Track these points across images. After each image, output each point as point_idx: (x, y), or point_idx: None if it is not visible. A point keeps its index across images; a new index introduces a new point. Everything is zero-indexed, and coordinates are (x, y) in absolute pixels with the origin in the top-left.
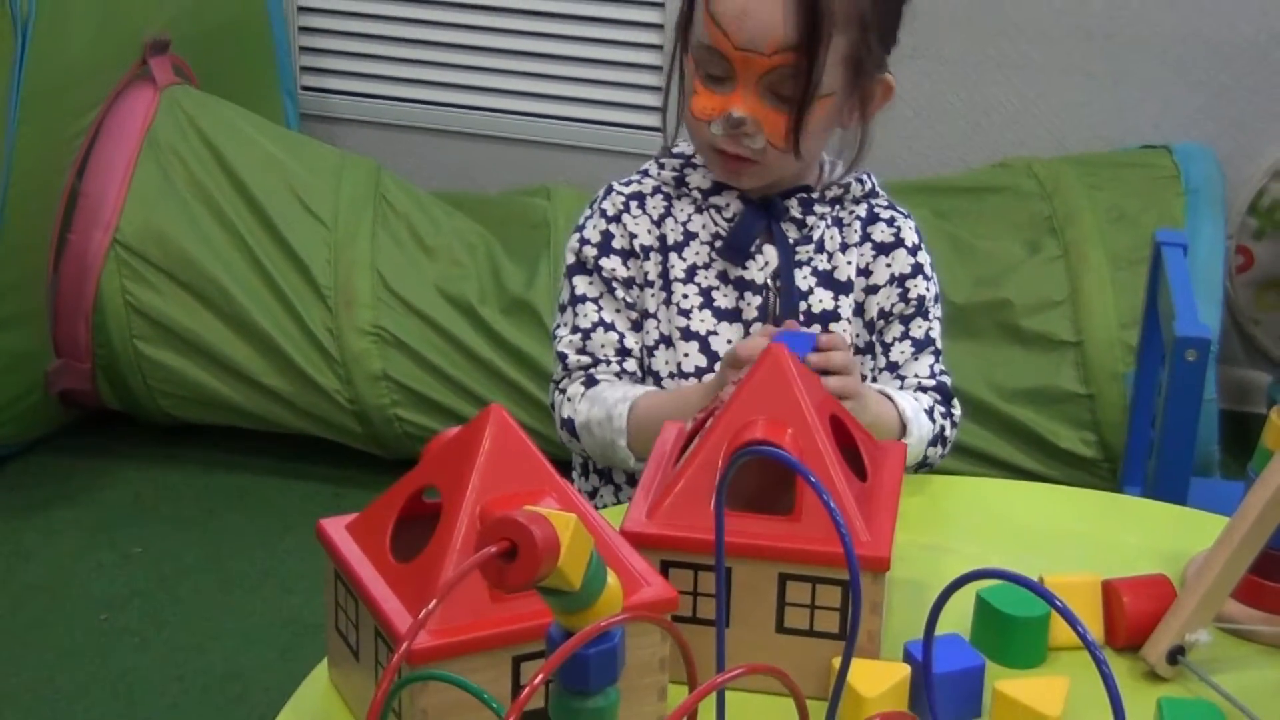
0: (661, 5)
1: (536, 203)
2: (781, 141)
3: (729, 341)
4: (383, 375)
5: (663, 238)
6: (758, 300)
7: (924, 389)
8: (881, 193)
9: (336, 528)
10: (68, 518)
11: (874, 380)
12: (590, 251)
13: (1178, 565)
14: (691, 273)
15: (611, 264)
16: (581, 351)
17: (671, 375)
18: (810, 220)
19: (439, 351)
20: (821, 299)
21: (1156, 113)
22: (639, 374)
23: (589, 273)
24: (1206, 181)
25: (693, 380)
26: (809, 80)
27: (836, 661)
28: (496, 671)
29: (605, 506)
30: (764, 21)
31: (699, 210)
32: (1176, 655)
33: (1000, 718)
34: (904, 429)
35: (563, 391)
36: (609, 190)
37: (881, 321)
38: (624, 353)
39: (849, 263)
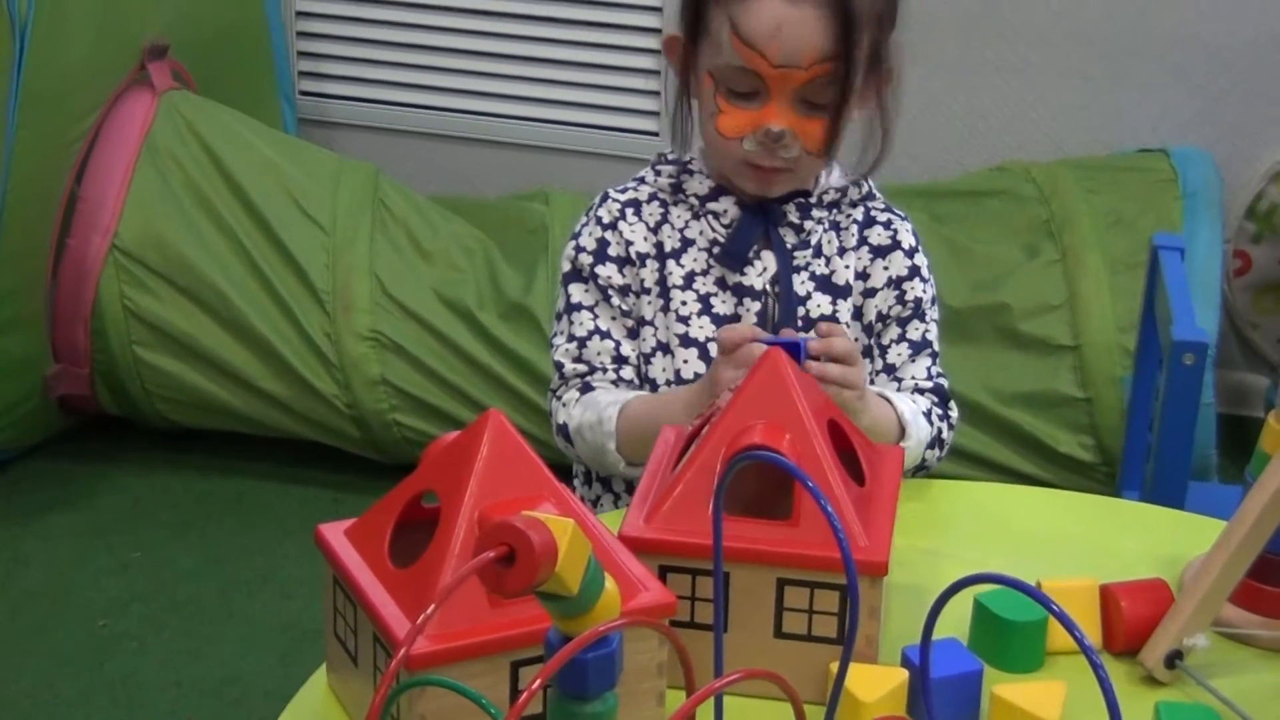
0: (659, 10)
1: (534, 207)
2: (818, 147)
3: (715, 337)
4: (381, 380)
5: (659, 244)
6: (757, 306)
7: (921, 391)
8: (878, 195)
9: (335, 533)
10: (66, 523)
11: (872, 383)
12: (586, 259)
13: (1175, 569)
14: (689, 279)
15: (607, 271)
16: (578, 360)
17: (669, 382)
18: (808, 225)
19: (437, 356)
20: (820, 304)
21: (1154, 116)
22: (636, 382)
23: (585, 280)
24: (1204, 185)
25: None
26: (848, 85)
27: (835, 666)
28: (495, 677)
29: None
30: (800, 36)
31: (696, 216)
32: (1174, 659)
33: None
34: (903, 432)
35: (559, 399)
36: (605, 197)
37: (880, 324)
38: (620, 360)
39: (847, 267)
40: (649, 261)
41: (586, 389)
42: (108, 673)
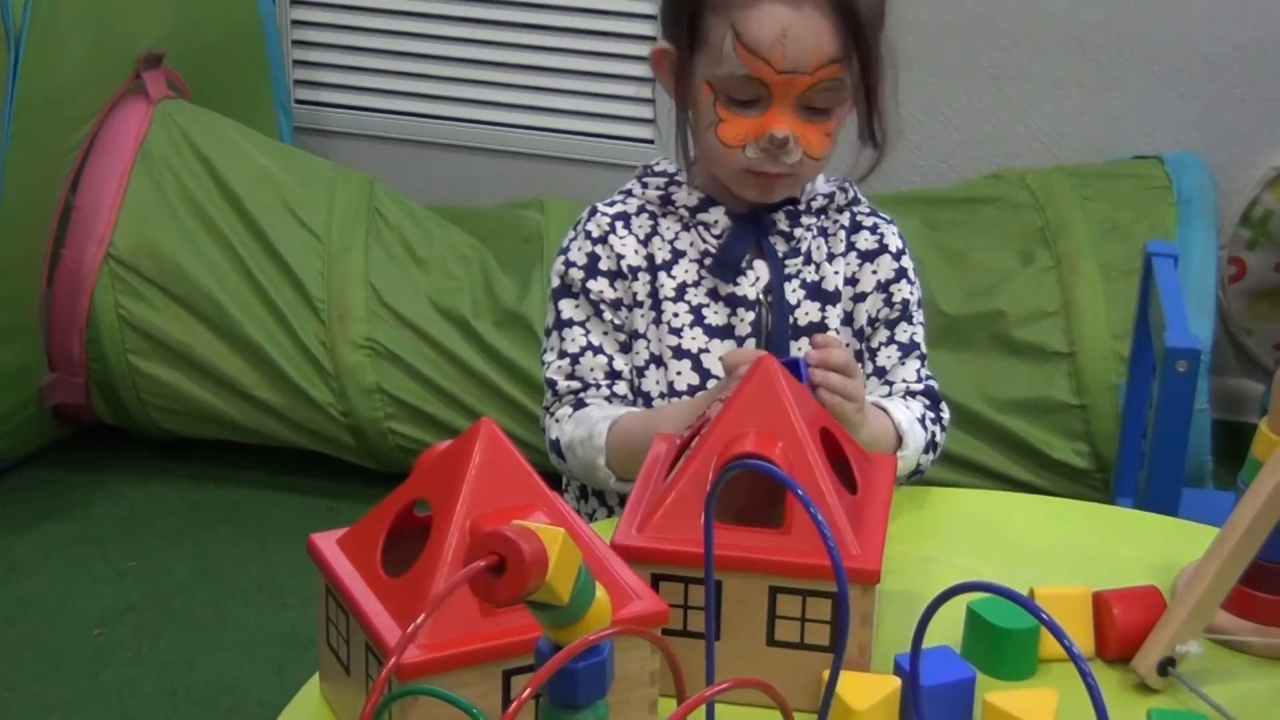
0: (655, 19)
1: (529, 215)
2: (820, 152)
3: (720, 359)
4: (376, 388)
5: (650, 257)
6: (750, 316)
7: (912, 394)
8: (864, 200)
9: (327, 542)
10: (61, 532)
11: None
12: (576, 274)
13: (1169, 576)
14: (681, 291)
15: (599, 286)
16: (571, 376)
17: (663, 395)
18: (798, 233)
19: (432, 364)
20: (808, 311)
21: (1148, 123)
22: (630, 397)
23: (575, 296)
24: (1199, 192)
25: (685, 399)
26: (871, 86)
27: (827, 674)
28: (487, 686)
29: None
30: (806, 42)
31: (686, 228)
32: (1167, 666)
33: None
34: (900, 441)
35: (553, 416)
36: (593, 211)
37: (869, 328)
38: (614, 375)
39: (836, 273)
40: (640, 274)
41: (579, 405)
42: (103, 682)
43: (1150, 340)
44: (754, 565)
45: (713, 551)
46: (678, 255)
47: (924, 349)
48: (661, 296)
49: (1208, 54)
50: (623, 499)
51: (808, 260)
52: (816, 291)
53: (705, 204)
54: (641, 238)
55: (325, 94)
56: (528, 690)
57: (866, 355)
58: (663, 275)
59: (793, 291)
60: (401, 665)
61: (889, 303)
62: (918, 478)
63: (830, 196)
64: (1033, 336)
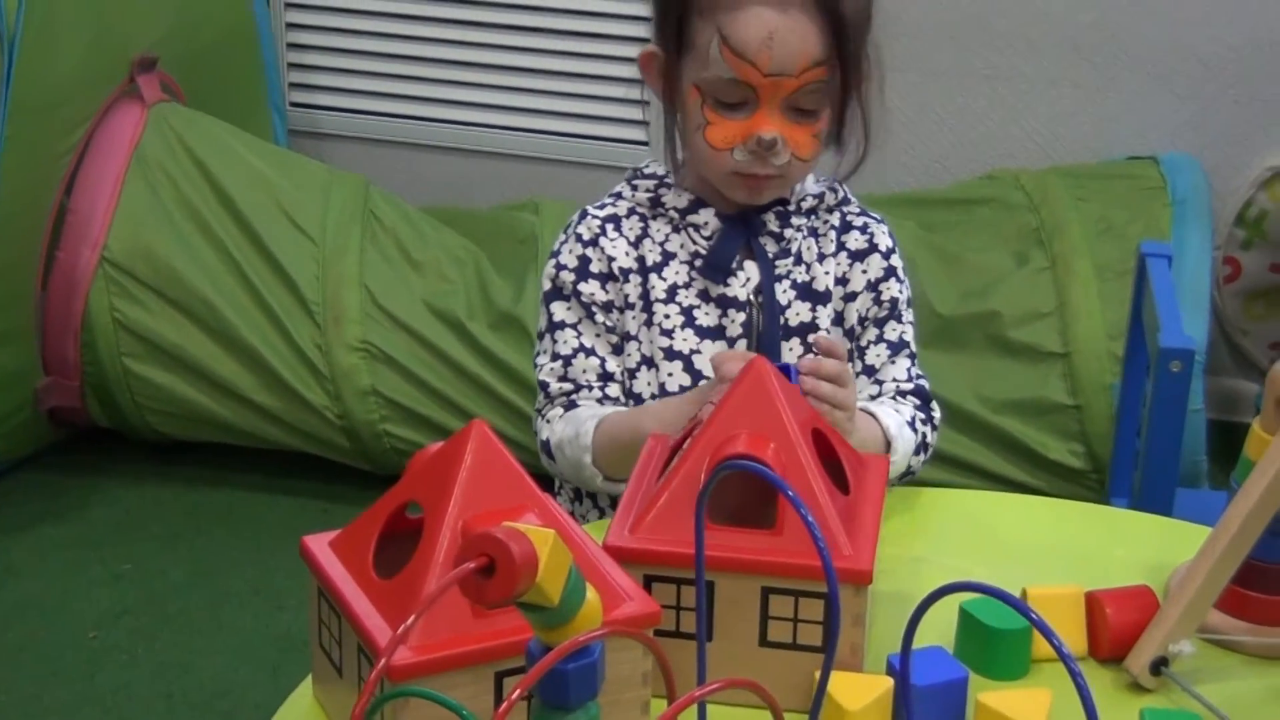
0: (648, 20)
1: (524, 217)
2: (808, 153)
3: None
4: (371, 391)
5: (641, 259)
6: (741, 317)
7: (903, 393)
8: (854, 200)
9: (320, 544)
10: (57, 535)
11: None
12: (568, 277)
13: (1162, 576)
14: (672, 292)
15: (590, 288)
16: (563, 379)
17: (654, 396)
18: (788, 233)
19: (427, 367)
20: (799, 311)
21: (1143, 124)
22: (622, 399)
23: (566, 299)
24: (1193, 192)
25: (671, 397)
26: (846, 89)
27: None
28: (478, 687)
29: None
30: (792, 44)
31: (676, 230)
32: (1160, 666)
33: None
34: (888, 446)
35: (544, 418)
36: (583, 215)
37: (859, 328)
38: (606, 377)
39: (826, 273)
40: (632, 276)
41: (571, 406)
42: (98, 685)
43: (1144, 340)
44: (746, 566)
45: (704, 552)
46: (668, 257)
47: (914, 348)
48: (652, 298)
49: (1202, 55)
50: (615, 501)
51: (798, 261)
52: (807, 292)
53: (695, 205)
54: (632, 240)
55: (320, 97)
56: (518, 691)
57: (856, 354)
58: (653, 277)
59: (783, 292)
60: (393, 667)
61: (878, 301)
62: (909, 478)
63: (820, 197)
64: (1028, 337)
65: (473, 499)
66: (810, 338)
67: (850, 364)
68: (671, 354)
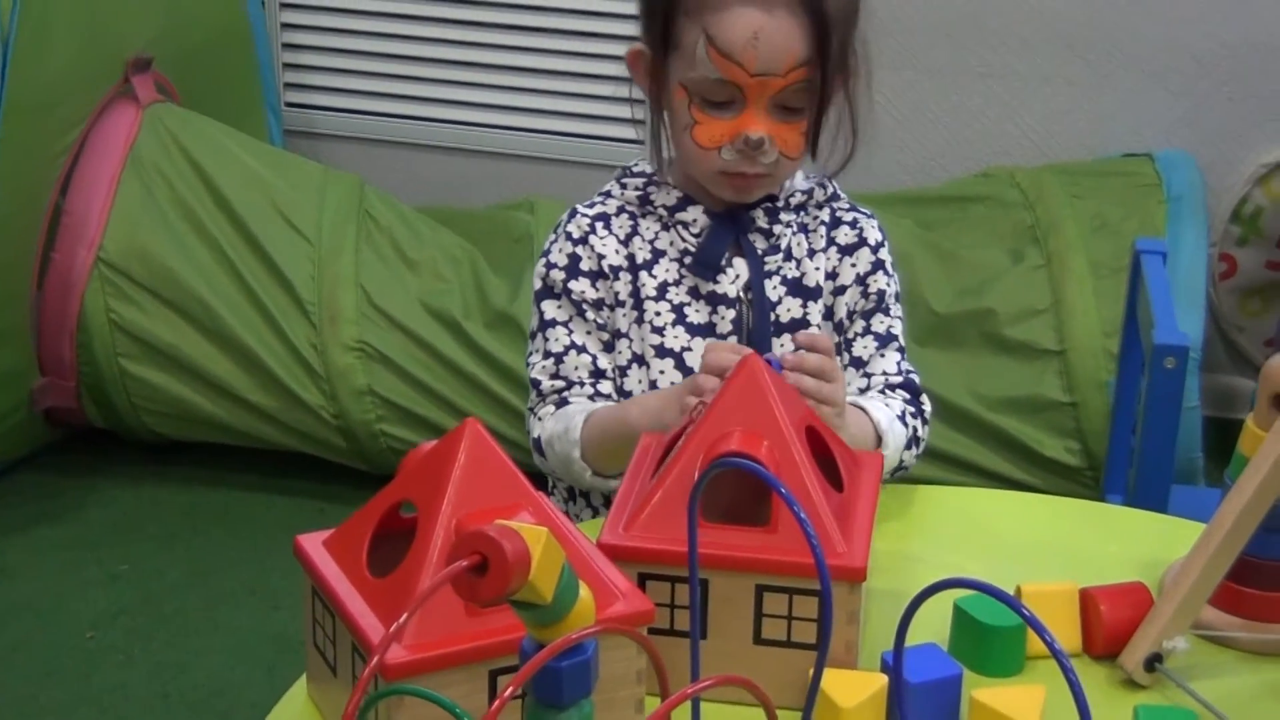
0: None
1: (520, 216)
2: (796, 152)
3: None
4: (367, 390)
5: (631, 257)
6: (731, 314)
7: (892, 387)
8: (843, 196)
9: (314, 543)
10: (53, 536)
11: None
12: (558, 275)
13: (1157, 573)
14: (663, 290)
15: (580, 286)
16: (555, 376)
17: (645, 394)
18: (777, 229)
19: (423, 366)
20: (790, 307)
21: (1138, 121)
22: (614, 396)
23: (557, 297)
24: (1188, 189)
25: (657, 390)
26: (826, 88)
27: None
28: (473, 686)
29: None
30: (777, 44)
31: (665, 227)
32: (1154, 662)
33: None
34: (879, 441)
35: (536, 415)
36: (573, 213)
37: (847, 321)
38: (598, 374)
39: (817, 268)
40: (622, 274)
41: (563, 404)
42: (95, 685)
43: (1139, 337)
44: (740, 564)
45: (697, 550)
46: (658, 255)
47: (903, 341)
48: (643, 296)
49: (1197, 51)
50: (608, 500)
51: (788, 257)
52: (798, 288)
53: (683, 203)
54: (622, 238)
55: (315, 96)
56: (510, 689)
57: (844, 346)
58: (644, 275)
59: (774, 288)
60: (387, 665)
61: (865, 294)
62: (902, 473)
63: (809, 193)
64: (1023, 334)
65: (466, 497)
66: (793, 336)
67: (839, 357)
68: (662, 351)
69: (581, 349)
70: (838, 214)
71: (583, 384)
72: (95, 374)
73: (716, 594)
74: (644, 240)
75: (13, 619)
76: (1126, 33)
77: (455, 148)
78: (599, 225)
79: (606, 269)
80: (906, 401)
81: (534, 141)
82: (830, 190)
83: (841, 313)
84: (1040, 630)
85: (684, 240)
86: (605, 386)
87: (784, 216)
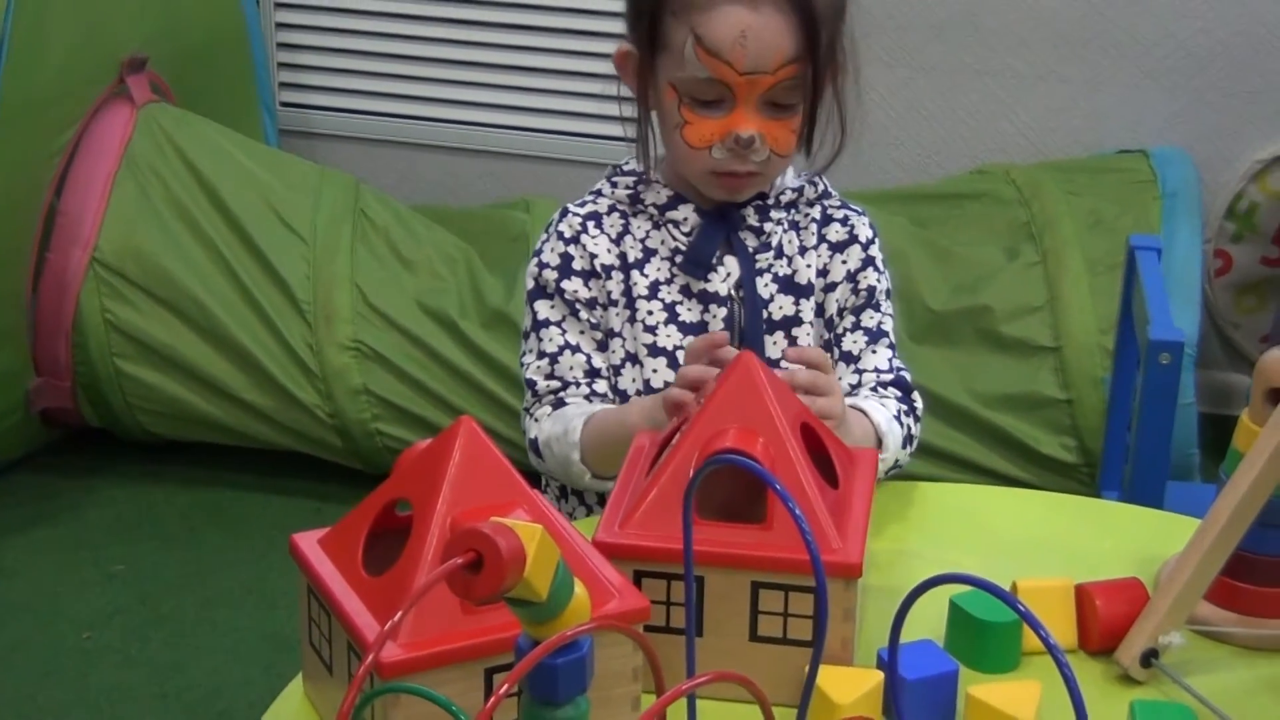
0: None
1: (516, 215)
2: (786, 148)
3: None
4: (363, 390)
5: (623, 255)
6: (723, 312)
7: (884, 384)
8: (834, 193)
9: (309, 542)
10: (50, 536)
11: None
12: (550, 275)
13: (1152, 569)
14: (654, 289)
15: (573, 286)
16: (550, 376)
17: (639, 392)
18: (768, 227)
19: (419, 365)
20: (782, 305)
21: (1133, 118)
22: (610, 395)
23: (550, 297)
24: (1184, 185)
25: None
26: (818, 85)
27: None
28: (468, 684)
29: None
30: (766, 42)
31: (656, 226)
32: (1150, 658)
33: None
34: (879, 443)
35: (532, 416)
36: (564, 213)
37: (837, 317)
38: (593, 374)
39: (808, 266)
40: (614, 273)
41: (559, 404)
42: (92, 685)
43: (1134, 333)
44: (736, 561)
45: (693, 547)
46: (649, 253)
47: (894, 338)
48: (635, 295)
49: (1191, 48)
50: (602, 498)
51: (779, 254)
52: (789, 285)
53: (674, 202)
54: (614, 237)
55: (310, 96)
56: (505, 686)
57: (834, 342)
58: (635, 274)
59: (765, 286)
60: (383, 664)
61: (855, 290)
62: (896, 471)
63: (799, 190)
64: (1019, 331)
65: (461, 495)
66: (784, 351)
67: (829, 352)
68: (655, 350)
69: (576, 349)
70: (829, 211)
71: (578, 384)
72: (91, 374)
73: (712, 591)
74: (635, 239)
75: (10, 619)
76: (1121, 30)
77: (451, 147)
78: (590, 224)
79: (599, 268)
80: (899, 399)
81: (530, 141)
82: (821, 187)
83: (832, 309)
84: (1036, 626)
85: (675, 239)
86: (600, 386)
87: (775, 214)
